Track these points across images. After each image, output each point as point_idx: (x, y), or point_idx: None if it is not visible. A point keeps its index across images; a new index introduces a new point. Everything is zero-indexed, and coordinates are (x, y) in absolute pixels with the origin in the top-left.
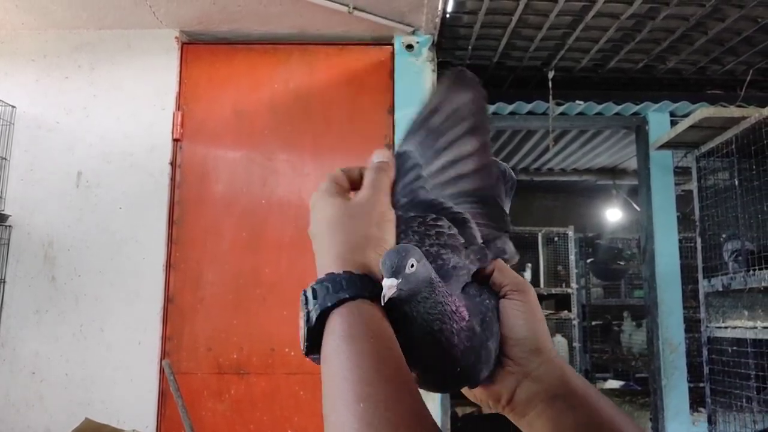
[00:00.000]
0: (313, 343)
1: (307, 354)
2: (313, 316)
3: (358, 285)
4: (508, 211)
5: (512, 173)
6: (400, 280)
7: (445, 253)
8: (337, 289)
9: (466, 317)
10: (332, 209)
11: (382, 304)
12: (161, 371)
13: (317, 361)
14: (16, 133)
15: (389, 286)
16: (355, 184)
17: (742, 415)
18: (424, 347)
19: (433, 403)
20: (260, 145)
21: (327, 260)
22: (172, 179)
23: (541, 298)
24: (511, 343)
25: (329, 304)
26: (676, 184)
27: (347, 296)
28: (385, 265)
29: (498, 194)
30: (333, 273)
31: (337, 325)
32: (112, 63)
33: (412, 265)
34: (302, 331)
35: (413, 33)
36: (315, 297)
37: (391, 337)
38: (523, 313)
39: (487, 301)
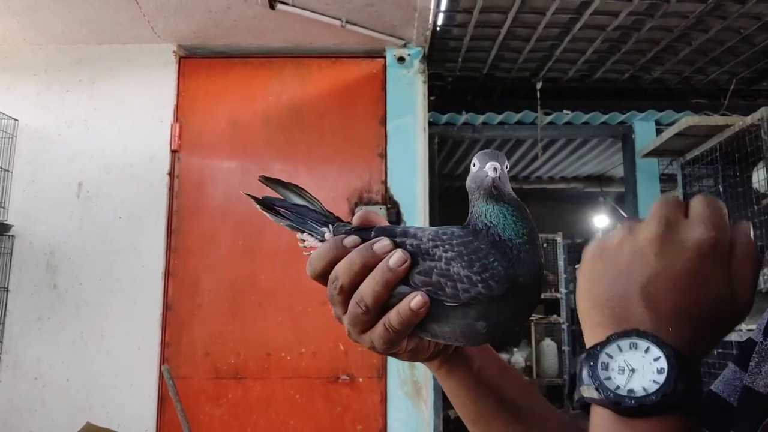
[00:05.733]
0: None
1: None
2: (652, 400)
3: (696, 391)
4: None
5: None
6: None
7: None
8: (690, 381)
9: None
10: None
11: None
12: (160, 376)
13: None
14: (18, 146)
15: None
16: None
17: None
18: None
19: (425, 405)
20: (255, 156)
21: (679, 311)
22: (170, 189)
23: None
24: None
25: (678, 401)
26: (661, 191)
27: (684, 406)
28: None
29: None
30: (679, 353)
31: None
32: (111, 77)
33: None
34: (646, 382)
35: (404, 46)
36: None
37: None
38: None
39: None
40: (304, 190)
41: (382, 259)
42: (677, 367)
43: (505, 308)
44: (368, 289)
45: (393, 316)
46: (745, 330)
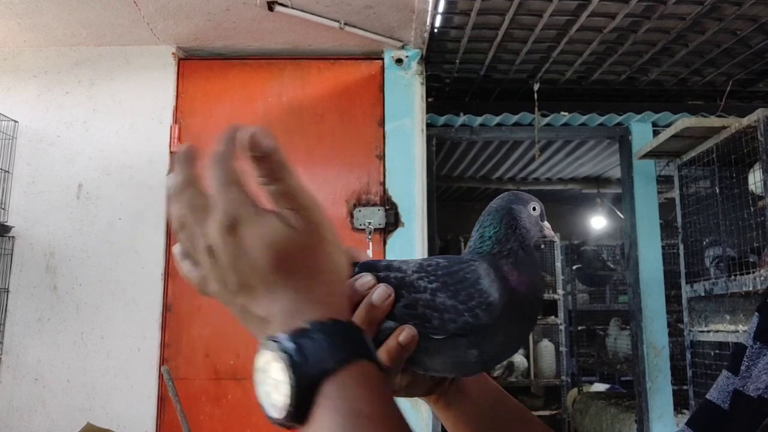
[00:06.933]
0: (300, 413)
1: (283, 425)
2: (304, 381)
3: (358, 339)
4: None
5: None
6: None
7: None
8: (332, 343)
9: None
10: (277, 233)
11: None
12: (160, 377)
13: None
14: (18, 147)
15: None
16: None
17: None
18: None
19: (424, 406)
20: None
21: (294, 301)
22: None
23: None
24: None
25: (329, 366)
26: (658, 192)
27: (349, 356)
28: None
29: None
30: (319, 321)
31: (339, 399)
32: (111, 78)
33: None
34: (279, 396)
35: (402, 47)
36: (302, 353)
37: (400, 413)
38: None
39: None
40: None
41: (366, 295)
42: (300, 347)
43: (498, 335)
44: None
45: (382, 353)
46: (742, 331)
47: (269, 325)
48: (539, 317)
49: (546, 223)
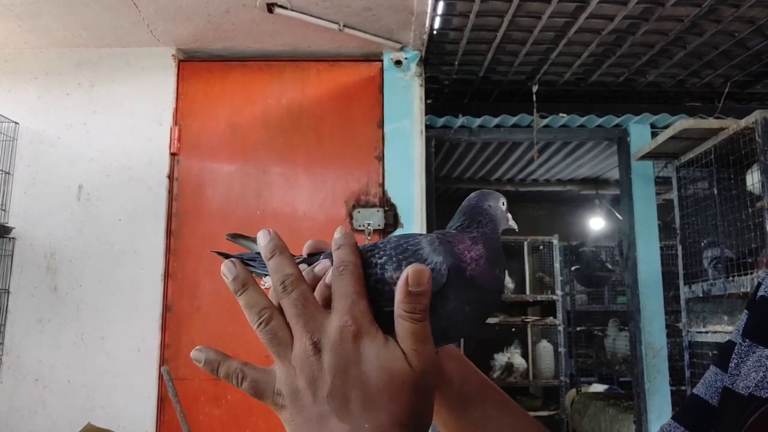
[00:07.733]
0: None
1: None
2: None
3: None
4: None
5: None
6: None
7: None
8: None
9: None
10: (398, 365)
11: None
12: (160, 377)
13: None
14: (19, 148)
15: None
16: None
17: None
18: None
19: None
20: (254, 159)
21: (388, 427)
22: (169, 192)
23: (527, 304)
24: None
25: None
26: (657, 194)
27: None
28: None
29: None
30: None
31: None
32: (111, 80)
33: None
34: None
35: (402, 49)
36: None
37: None
38: None
39: None
40: None
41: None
42: None
43: (449, 304)
44: None
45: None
46: (730, 331)
47: None
48: (538, 318)
49: (510, 215)
